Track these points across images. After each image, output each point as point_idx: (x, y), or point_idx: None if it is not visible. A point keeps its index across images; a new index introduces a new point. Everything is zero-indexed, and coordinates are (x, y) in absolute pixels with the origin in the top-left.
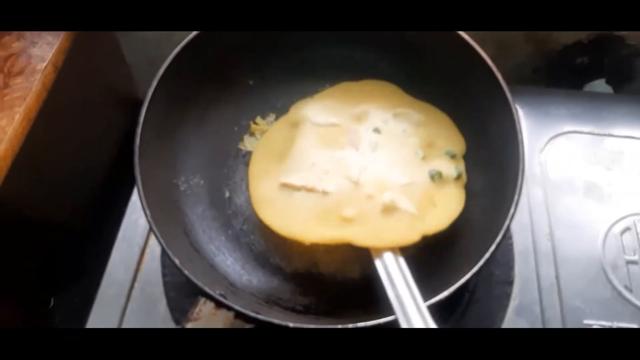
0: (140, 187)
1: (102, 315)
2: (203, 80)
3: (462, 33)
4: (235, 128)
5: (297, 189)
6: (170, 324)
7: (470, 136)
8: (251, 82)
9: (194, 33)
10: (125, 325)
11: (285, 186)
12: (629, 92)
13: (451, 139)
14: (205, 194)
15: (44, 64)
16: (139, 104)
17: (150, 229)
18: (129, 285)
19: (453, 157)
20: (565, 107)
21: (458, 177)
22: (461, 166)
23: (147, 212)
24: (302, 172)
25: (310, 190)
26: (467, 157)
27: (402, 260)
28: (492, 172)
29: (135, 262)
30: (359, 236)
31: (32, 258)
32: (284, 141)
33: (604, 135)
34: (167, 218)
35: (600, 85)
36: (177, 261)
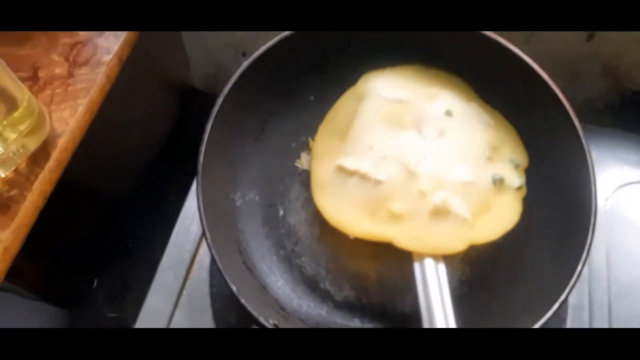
0: (202, 208)
1: (149, 323)
2: (265, 93)
3: (532, 62)
4: (294, 144)
5: (351, 173)
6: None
7: (536, 170)
8: (312, 97)
9: (269, 44)
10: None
11: (341, 169)
12: None
13: (517, 150)
14: (259, 210)
15: (110, 57)
16: (193, 91)
17: (209, 251)
18: (177, 292)
19: (517, 166)
20: (638, 154)
21: (519, 188)
22: (523, 177)
23: (208, 234)
24: (358, 155)
25: (363, 176)
26: (532, 192)
27: (442, 270)
28: (558, 216)
29: (184, 269)
30: (402, 237)
31: (78, 231)
32: (349, 116)
33: None
34: (223, 235)
35: None
36: (234, 288)
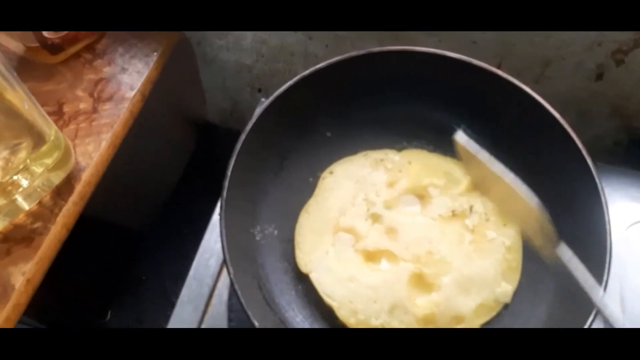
0: (225, 243)
1: None
2: (284, 130)
3: (542, 100)
4: (311, 179)
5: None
6: None
7: (550, 208)
8: (329, 134)
9: (287, 85)
10: None
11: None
12: None
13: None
14: (278, 245)
15: (133, 93)
16: (208, 125)
17: (232, 287)
18: (196, 326)
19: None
20: None
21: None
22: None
23: (231, 270)
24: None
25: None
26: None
27: None
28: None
29: (203, 303)
30: None
31: (95, 264)
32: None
33: None
34: (244, 270)
35: None
36: (257, 324)
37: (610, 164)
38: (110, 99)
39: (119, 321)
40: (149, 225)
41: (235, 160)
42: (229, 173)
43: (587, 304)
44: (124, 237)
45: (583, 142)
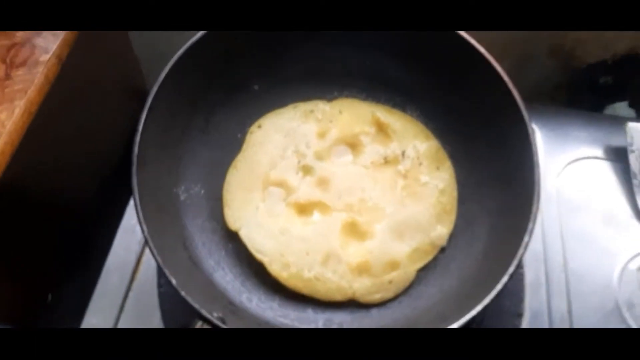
0: (138, 200)
1: (95, 323)
2: (207, 84)
3: (478, 45)
4: (239, 135)
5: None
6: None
7: (483, 150)
8: (256, 87)
9: (199, 34)
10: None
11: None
12: None
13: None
14: (205, 204)
15: (48, 56)
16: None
17: (147, 244)
18: (123, 294)
19: None
20: (586, 131)
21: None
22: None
23: (144, 227)
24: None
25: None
26: (479, 173)
27: None
28: (506, 191)
29: (131, 270)
30: None
31: (30, 251)
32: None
33: (626, 163)
34: (165, 230)
35: (622, 108)
36: (174, 281)
37: (550, 106)
38: (23, 64)
39: (62, 304)
40: (90, 201)
41: (147, 118)
42: (140, 127)
43: (519, 240)
44: (63, 215)
45: (524, 87)
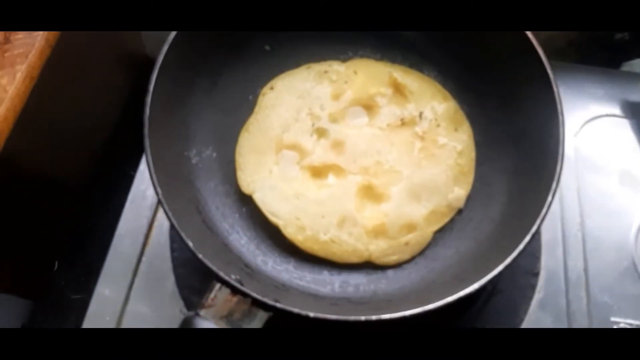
0: (151, 162)
1: (107, 292)
2: (215, 43)
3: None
4: (250, 97)
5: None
6: (179, 302)
7: (502, 109)
8: (267, 48)
9: None
10: (131, 301)
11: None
12: None
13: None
14: (218, 167)
15: None
16: (148, 61)
17: (161, 207)
18: (136, 259)
19: None
20: (603, 88)
21: None
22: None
23: (158, 190)
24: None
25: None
26: (497, 133)
27: None
28: (525, 151)
29: (143, 235)
30: None
31: (36, 218)
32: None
33: None
34: (178, 194)
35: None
36: (190, 244)
37: (565, 62)
38: None
39: (67, 272)
40: (91, 169)
41: (156, 84)
42: (151, 88)
43: (542, 199)
44: (65, 183)
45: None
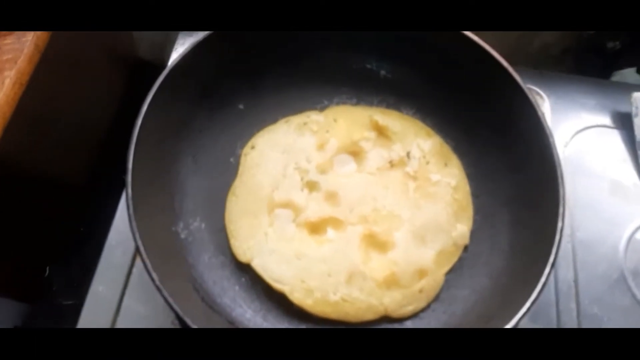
0: (142, 246)
1: (101, 293)
2: (192, 109)
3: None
4: (232, 159)
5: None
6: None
7: (488, 138)
8: (241, 106)
9: (181, 54)
10: (125, 304)
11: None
12: None
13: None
14: (209, 239)
15: None
16: (141, 63)
17: (160, 293)
18: (129, 262)
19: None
20: (594, 98)
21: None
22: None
23: (154, 275)
24: None
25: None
26: (487, 163)
27: None
28: (520, 177)
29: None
30: None
31: (31, 221)
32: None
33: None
34: (172, 274)
35: (630, 74)
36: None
37: (558, 72)
38: (11, 32)
39: (59, 277)
40: (82, 173)
41: (135, 151)
42: (129, 167)
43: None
44: (56, 187)
45: (532, 51)
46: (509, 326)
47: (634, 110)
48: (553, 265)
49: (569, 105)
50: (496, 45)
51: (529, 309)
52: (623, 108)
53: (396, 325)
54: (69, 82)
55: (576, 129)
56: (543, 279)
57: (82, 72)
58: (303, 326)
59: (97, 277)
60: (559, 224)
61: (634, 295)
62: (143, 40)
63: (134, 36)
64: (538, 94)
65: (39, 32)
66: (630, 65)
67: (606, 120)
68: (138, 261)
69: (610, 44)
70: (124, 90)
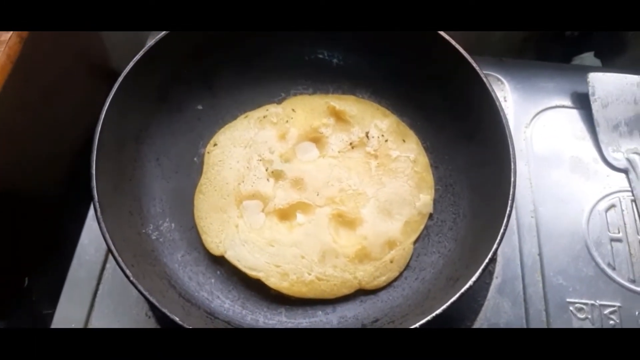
0: (113, 246)
1: (72, 299)
2: (151, 114)
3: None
4: (195, 159)
5: None
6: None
7: (441, 113)
8: (200, 107)
9: (135, 60)
10: (96, 309)
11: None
12: (618, 66)
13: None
14: (180, 237)
15: (9, 35)
16: (114, 74)
17: (135, 288)
18: (100, 267)
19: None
20: (554, 81)
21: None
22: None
23: (128, 272)
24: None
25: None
26: (442, 135)
27: None
28: (474, 145)
29: (102, 257)
30: None
31: (4, 236)
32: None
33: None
34: (146, 273)
35: (589, 58)
36: (177, 319)
37: (519, 59)
38: None
39: (38, 287)
40: (62, 185)
41: (97, 160)
42: (93, 173)
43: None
44: (36, 200)
45: (494, 40)
46: (473, 279)
47: (590, 90)
48: (509, 215)
49: (529, 89)
50: (457, 37)
51: (491, 258)
52: (581, 89)
53: (372, 298)
54: (42, 95)
55: (536, 110)
56: (502, 228)
57: (56, 83)
58: (281, 309)
59: (68, 282)
60: (512, 178)
61: (597, 265)
62: (115, 50)
63: (106, 46)
64: (498, 79)
65: (10, 43)
66: (589, 50)
67: (565, 101)
68: (108, 264)
69: (568, 32)
70: (98, 101)
